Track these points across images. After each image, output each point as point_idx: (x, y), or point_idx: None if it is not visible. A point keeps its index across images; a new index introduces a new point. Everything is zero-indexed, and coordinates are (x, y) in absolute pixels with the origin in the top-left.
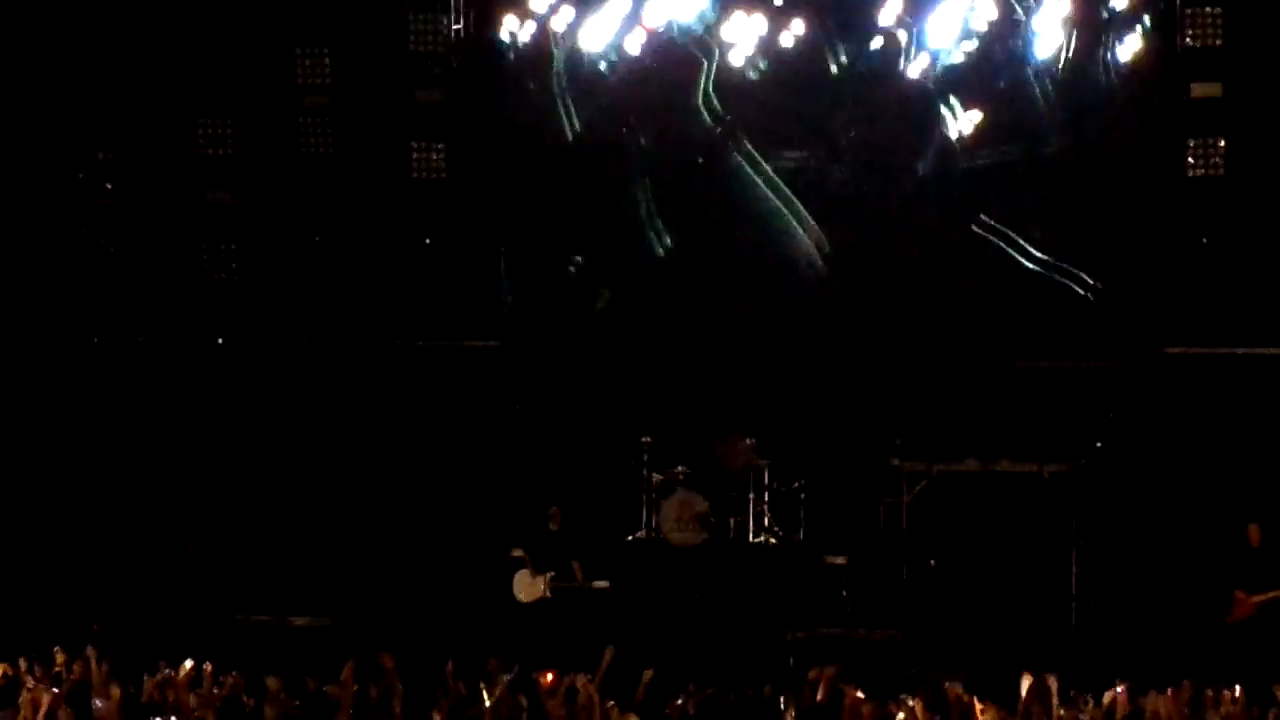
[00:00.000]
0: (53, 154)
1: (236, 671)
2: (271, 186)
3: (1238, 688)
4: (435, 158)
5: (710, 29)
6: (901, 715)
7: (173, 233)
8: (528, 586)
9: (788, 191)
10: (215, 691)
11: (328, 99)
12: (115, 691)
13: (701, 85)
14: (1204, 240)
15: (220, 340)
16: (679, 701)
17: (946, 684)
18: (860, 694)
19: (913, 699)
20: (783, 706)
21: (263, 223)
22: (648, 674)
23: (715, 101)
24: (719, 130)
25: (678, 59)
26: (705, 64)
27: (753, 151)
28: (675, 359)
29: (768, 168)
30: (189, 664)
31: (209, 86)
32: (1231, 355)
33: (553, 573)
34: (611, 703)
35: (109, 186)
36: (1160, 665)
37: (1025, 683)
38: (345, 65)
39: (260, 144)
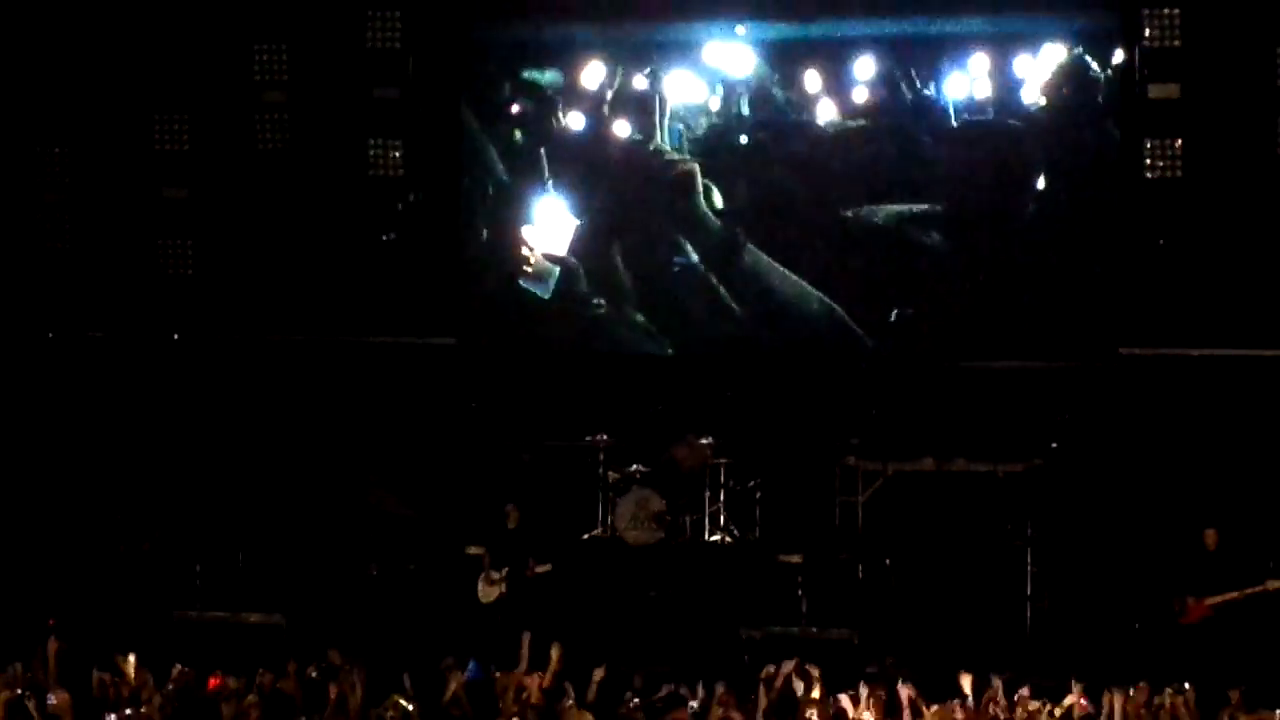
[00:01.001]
0: (6, 148)
1: (190, 668)
2: (228, 182)
3: (1187, 686)
4: (392, 155)
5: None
6: (866, 713)
7: (128, 228)
8: (487, 588)
9: None
10: (169, 688)
11: (285, 95)
12: (64, 695)
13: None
14: (1161, 241)
15: (175, 336)
16: (633, 700)
17: (900, 683)
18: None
19: (867, 697)
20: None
21: (219, 218)
22: (599, 672)
23: None
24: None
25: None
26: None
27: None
28: (632, 358)
29: None
30: (132, 658)
31: (165, 81)
32: (1187, 357)
33: (507, 569)
34: (570, 701)
35: (65, 181)
36: (1114, 666)
37: (965, 681)
38: (303, 61)
39: (217, 140)
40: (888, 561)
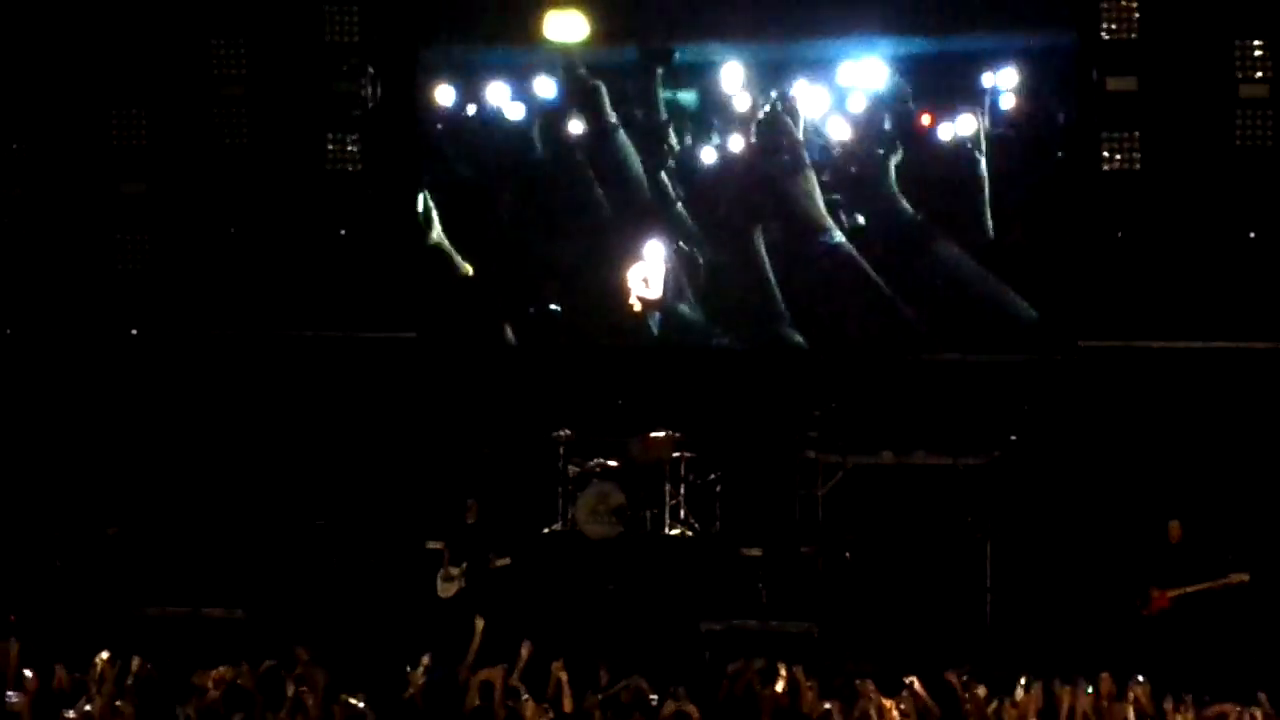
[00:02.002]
0: None
1: (150, 663)
2: (186, 177)
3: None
4: (350, 149)
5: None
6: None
7: (86, 223)
8: (445, 584)
9: None
10: (128, 683)
11: (243, 89)
12: (23, 696)
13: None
14: (1119, 234)
15: (134, 331)
16: (595, 695)
17: (858, 682)
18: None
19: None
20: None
21: (177, 213)
22: (557, 666)
23: None
24: None
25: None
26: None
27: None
28: (592, 351)
29: None
30: (104, 655)
31: (123, 76)
32: (1146, 349)
33: (466, 564)
34: (526, 696)
35: (22, 177)
36: (1074, 659)
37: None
38: (261, 56)
39: (175, 134)
40: (848, 555)
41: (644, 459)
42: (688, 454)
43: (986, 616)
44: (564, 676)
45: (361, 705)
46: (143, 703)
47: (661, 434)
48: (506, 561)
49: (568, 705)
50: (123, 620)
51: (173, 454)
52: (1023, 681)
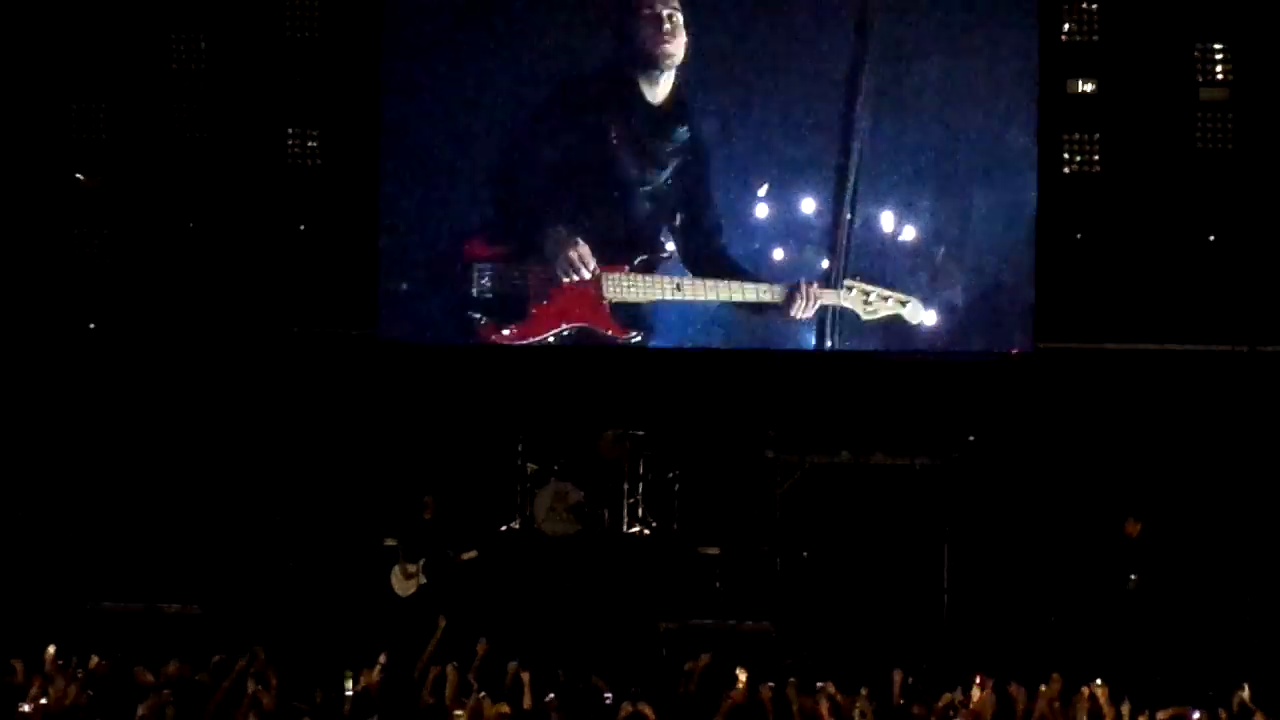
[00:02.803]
0: None
1: (107, 659)
2: (145, 171)
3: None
4: (310, 144)
5: None
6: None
7: (44, 217)
8: (402, 581)
9: None
10: (79, 674)
11: (203, 83)
12: None
13: None
14: (1079, 235)
15: (92, 325)
16: (549, 695)
17: (819, 684)
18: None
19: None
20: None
21: (136, 208)
22: (513, 666)
23: None
24: None
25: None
26: None
27: None
28: (552, 350)
29: None
30: (51, 650)
31: (81, 69)
32: (1104, 350)
33: (424, 560)
34: (483, 693)
35: None
36: (1031, 659)
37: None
38: (221, 50)
39: (134, 129)
40: (805, 554)
41: (611, 455)
42: (646, 452)
43: (943, 616)
44: (525, 676)
45: (316, 703)
46: (97, 698)
47: (624, 431)
48: (474, 555)
49: (526, 703)
50: (79, 615)
51: (129, 449)
52: (977, 681)
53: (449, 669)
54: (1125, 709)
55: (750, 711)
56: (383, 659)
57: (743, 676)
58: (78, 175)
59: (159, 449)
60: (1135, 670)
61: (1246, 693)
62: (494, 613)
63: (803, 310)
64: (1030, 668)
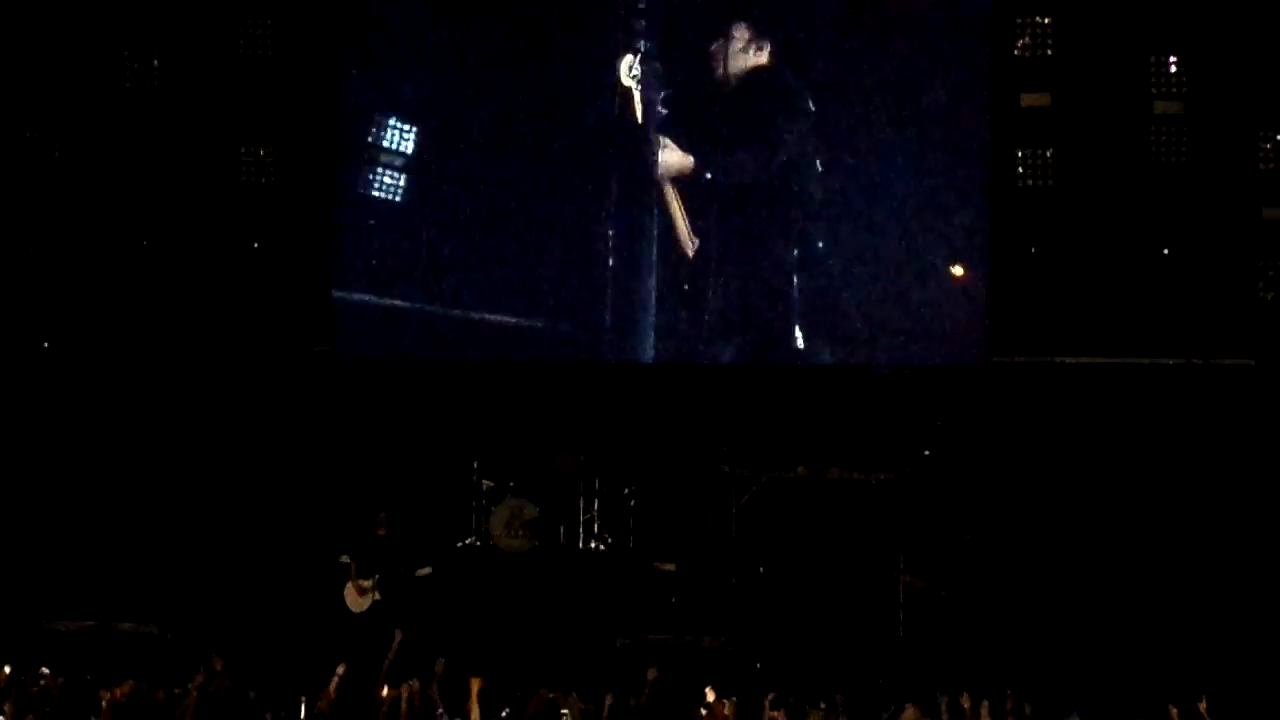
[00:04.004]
0: None
1: (62, 677)
2: (99, 190)
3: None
4: (263, 161)
5: None
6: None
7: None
8: (356, 598)
9: None
10: (33, 690)
11: (156, 102)
12: None
13: None
14: (1032, 250)
15: (46, 344)
16: (504, 712)
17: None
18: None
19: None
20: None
21: (90, 226)
22: (476, 683)
23: None
24: None
25: None
26: None
27: None
28: (507, 366)
29: None
30: (6, 669)
31: (36, 90)
32: (1058, 364)
33: (377, 576)
34: (440, 709)
35: None
36: (986, 673)
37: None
38: (174, 69)
39: (88, 148)
40: (761, 569)
41: (567, 468)
42: (602, 468)
43: (899, 630)
44: (475, 686)
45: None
46: (51, 716)
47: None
48: (428, 571)
49: (474, 716)
50: (33, 634)
51: (83, 467)
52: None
53: (407, 686)
54: None
55: None
56: (340, 670)
57: (710, 695)
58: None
59: (114, 467)
60: (1089, 682)
61: (1204, 704)
62: (451, 629)
63: None
64: (985, 682)
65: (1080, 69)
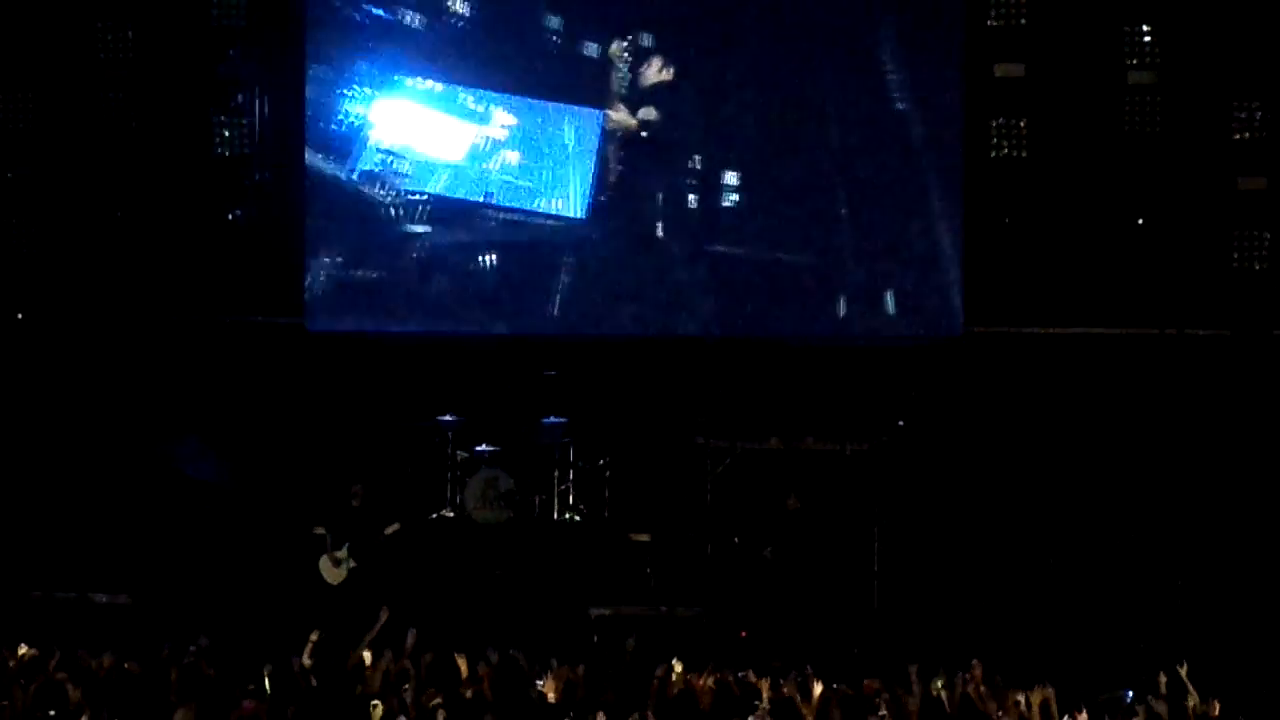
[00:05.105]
0: None
1: (36, 648)
2: (72, 161)
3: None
4: (239, 133)
5: None
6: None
7: None
8: (332, 569)
9: None
10: (10, 665)
11: (130, 73)
12: None
13: None
14: (1007, 220)
15: (20, 315)
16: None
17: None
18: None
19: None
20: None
21: (63, 197)
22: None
23: None
24: None
25: None
26: None
27: None
28: (480, 339)
29: None
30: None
31: (8, 60)
32: (1034, 334)
33: (348, 544)
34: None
35: None
36: (961, 645)
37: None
38: (147, 40)
39: (61, 118)
40: (736, 540)
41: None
42: (574, 438)
43: (874, 601)
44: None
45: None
46: (30, 687)
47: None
48: (396, 527)
49: (463, 670)
50: (8, 605)
51: (58, 438)
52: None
53: (378, 655)
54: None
55: (684, 699)
56: (314, 636)
57: (678, 667)
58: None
59: (89, 439)
60: (1065, 655)
61: (1184, 670)
62: (425, 600)
63: None
64: (959, 654)
65: (1054, 39)
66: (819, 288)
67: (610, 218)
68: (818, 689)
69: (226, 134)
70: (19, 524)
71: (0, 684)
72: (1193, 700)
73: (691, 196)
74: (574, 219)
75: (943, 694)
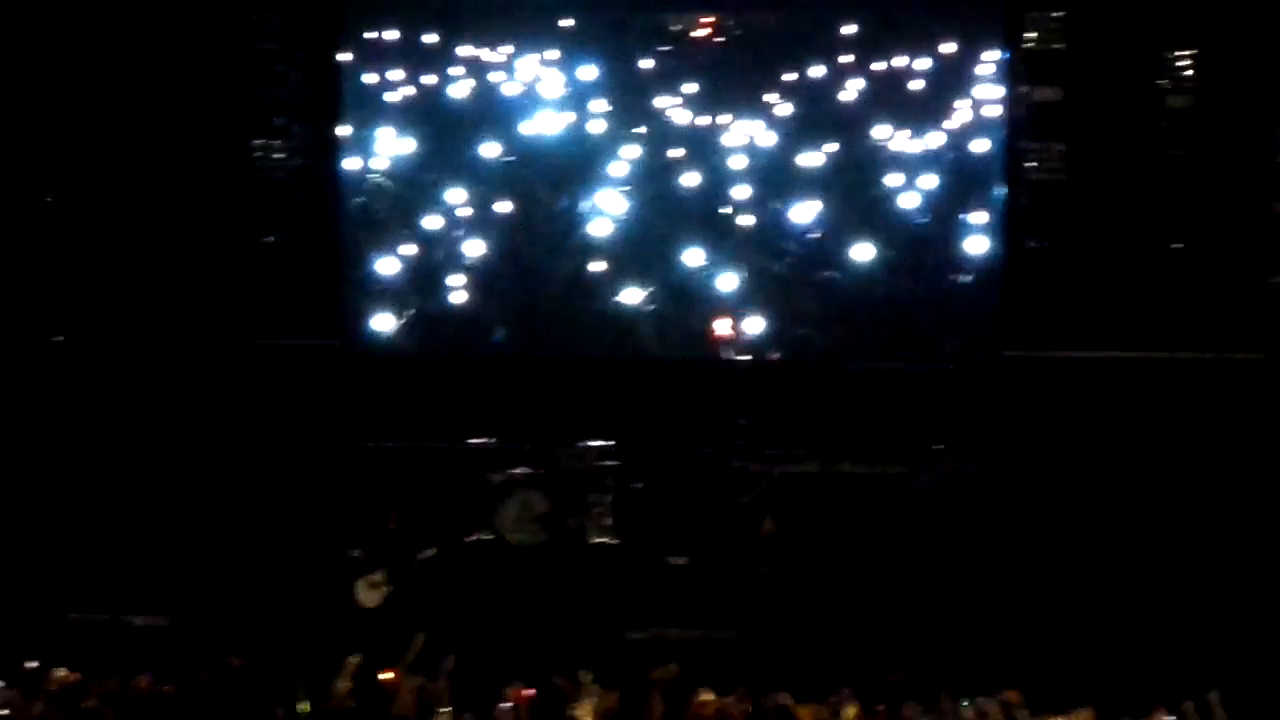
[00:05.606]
0: None
1: (73, 672)
2: (110, 184)
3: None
4: (276, 155)
5: None
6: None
7: (10, 230)
8: (368, 592)
9: None
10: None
11: (168, 95)
12: None
13: None
14: (1045, 244)
15: (59, 338)
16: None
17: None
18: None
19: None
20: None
21: (102, 220)
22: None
23: None
24: None
25: None
26: None
27: None
28: (519, 359)
29: None
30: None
31: (47, 83)
32: (1070, 359)
33: (384, 570)
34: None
35: None
36: (1000, 670)
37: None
38: (187, 62)
39: (100, 140)
40: (770, 565)
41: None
42: (613, 462)
43: (913, 626)
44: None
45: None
46: (64, 710)
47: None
48: (432, 553)
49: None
50: (44, 628)
51: (96, 460)
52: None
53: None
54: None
55: None
56: (353, 661)
57: (707, 696)
58: None
59: (126, 460)
60: (1103, 676)
61: (1216, 698)
62: (460, 624)
63: None
64: (996, 677)
65: (1092, 63)
66: (856, 311)
67: None
68: (854, 712)
69: (264, 156)
70: (56, 546)
71: (38, 708)
72: None
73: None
74: None
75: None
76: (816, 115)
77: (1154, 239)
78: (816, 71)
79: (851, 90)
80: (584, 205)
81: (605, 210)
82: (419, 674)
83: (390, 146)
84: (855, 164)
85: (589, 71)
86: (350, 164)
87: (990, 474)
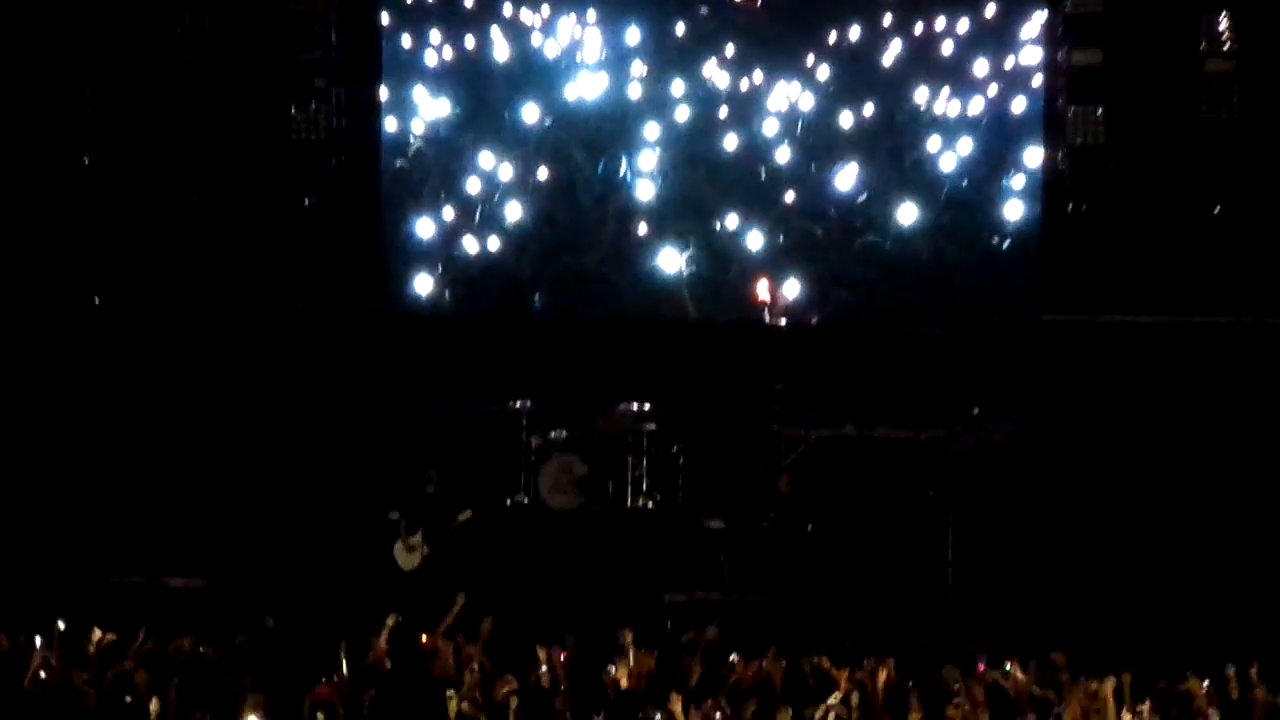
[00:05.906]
0: None
1: (111, 633)
2: (148, 147)
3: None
4: (315, 119)
5: None
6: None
7: (49, 194)
8: (406, 555)
9: None
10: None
11: (206, 58)
12: None
13: None
14: (1084, 208)
15: (97, 300)
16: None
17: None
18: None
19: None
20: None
21: (139, 183)
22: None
23: None
24: None
25: None
26: None
27: None
28: (556, 323)
29: None
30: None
31: (86, 47)
32: (1108, 323)
33: (422, 530)
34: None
35: None
36: (1035, 633)
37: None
38: (225, 26)
39: (137, 104)
40: (810, 527)
41: (611, 431)
42: (651, 426)
43: (948, 589)
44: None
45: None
46: (103, 671)
47: (628, 406)
48: (468, 515)
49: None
50: (83, 590)
51: (134, 423)
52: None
53: (453, 642)
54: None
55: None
56: (390, 622)
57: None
58: None
59: (164, 423)
60: (1138, 641)
61: (1254, 670)
62: (499, 587)
63: None
64: (1033, 644)
65: (1132, 26)
66: (896, 275)
67: None
68: (890, 676)
69: (303, 119)
70: (95, 509)
71: (76, 669)
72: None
73: None
74: None
75: (1006, 683)
76: (856, 78)
77: (1193, 203)
78: (856, 33)
79: (891, 53)
80: (623, 168)
81: (644, 173)
82: (458, 635)
83: (429, 109)
84: (895, 127)
85: (629, 34)
86: (389, 126)
87: (1029, 438)
